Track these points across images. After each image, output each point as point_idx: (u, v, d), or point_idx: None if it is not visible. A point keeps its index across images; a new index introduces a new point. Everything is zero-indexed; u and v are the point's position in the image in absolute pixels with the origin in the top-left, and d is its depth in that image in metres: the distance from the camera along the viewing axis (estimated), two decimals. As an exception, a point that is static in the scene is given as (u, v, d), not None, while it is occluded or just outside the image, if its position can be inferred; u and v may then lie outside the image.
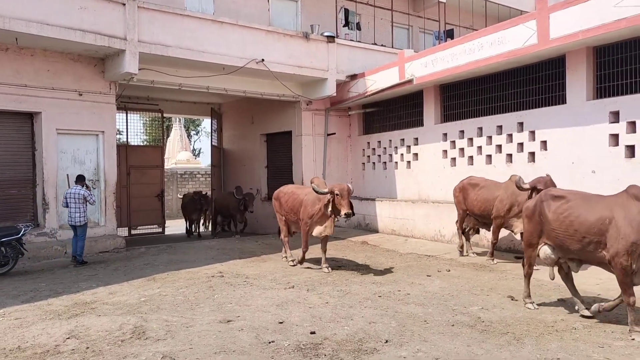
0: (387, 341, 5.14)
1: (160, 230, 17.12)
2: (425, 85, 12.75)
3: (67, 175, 11.11)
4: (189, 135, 45.30)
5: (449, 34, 17.57)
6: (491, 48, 10.43)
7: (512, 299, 6.70)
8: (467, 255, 10.13)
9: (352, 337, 5.30)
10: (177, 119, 35.15)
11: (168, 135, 34.12)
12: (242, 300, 6.97)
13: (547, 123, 10.02)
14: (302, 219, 9.20)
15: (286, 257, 9.97)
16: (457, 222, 10.44)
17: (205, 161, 38.41)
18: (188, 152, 35.72)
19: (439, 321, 5.81)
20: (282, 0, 15.29)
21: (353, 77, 14.49)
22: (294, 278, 8.40)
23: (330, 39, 14.14)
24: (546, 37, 9.30)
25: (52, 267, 9.89)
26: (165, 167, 23.13)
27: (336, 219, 9.10)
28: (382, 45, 15.82)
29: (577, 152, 9.45)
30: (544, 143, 10.14)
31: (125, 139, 16.71)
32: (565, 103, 9.74)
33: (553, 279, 6.23)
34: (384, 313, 6.18)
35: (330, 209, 8.59)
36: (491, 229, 9.43)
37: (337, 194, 8.46)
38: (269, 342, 5.16)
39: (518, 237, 9.08)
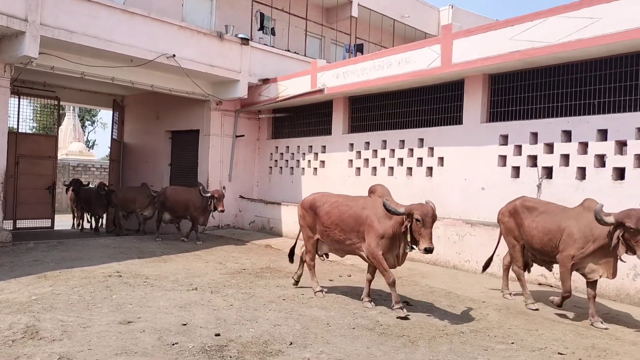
0: (291, 343, 5.28)
1: (49, 225, 16.09)
2: (336, 96, 13.16)
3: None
4: (83, 126, 42.87)
5: (359, 48, 18.25)
6: (399, 66, 11.01)
7: (407, 304, 7.13)
8: (507, 297, 7.56)
9: (257, 339, 5.39)
10: (71, 107, 33.11)
11: (60, 124, 32.02)
12: (143, 301, 6.79)
13: (445, 141, 10.76)
14: (369, 240, 6.72)
15: (321, 290, 7.60)
16: (512, 262, 7.42)
17: (99, 154, 36.58)
18: (81, 144, 33.79)
19: (340, 324, 6.05)
20: (197, -3, 15.08)
21: (265, 81, 14.58)
22: (196, 280, 8.30)
23: (245, 41, 14.17)
24: (449, 61, 10.00)
25: None
26: (57, 158, 21.69)
27: (408, 249, 6.45)
28: (295, 53, 16.06)
29: (470, 169, 10.23)
30: (441, 159, 10.86)
31: (15, 126, 15.51)
32: (462, 124, 10.53)
33: None
34: (288, 316, 6.32)
35: (402, 235, 6.36)
36: (560, 273, 6.57)
37: (417, 220, 6.07)
38: (173, 344, 5.11)
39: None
